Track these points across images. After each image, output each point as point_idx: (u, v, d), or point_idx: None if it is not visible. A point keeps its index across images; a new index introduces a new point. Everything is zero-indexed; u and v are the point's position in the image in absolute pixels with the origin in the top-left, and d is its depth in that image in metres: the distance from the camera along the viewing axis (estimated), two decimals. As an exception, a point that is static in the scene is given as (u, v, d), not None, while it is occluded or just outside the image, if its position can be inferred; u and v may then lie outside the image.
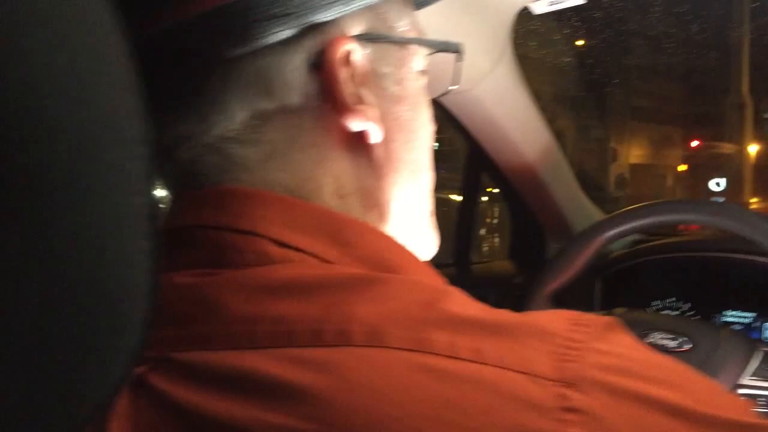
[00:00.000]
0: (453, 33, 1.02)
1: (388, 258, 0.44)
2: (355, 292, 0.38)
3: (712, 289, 1.30)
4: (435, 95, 0.54)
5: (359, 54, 0.45)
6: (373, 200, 0.47)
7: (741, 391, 0.91)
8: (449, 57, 0.53)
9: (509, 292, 1.45)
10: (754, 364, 0.93)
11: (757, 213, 1.01)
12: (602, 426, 0.34)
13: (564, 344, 0.36)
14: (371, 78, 0.46)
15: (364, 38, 0.45)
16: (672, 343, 0.96)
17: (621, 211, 1.13)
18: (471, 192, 1.50)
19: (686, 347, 0.95)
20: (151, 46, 0.42)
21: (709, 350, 0.94)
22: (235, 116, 0.43)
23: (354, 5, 0.44)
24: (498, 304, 1.13)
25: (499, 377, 0.34)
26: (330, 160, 0.45)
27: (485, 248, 1.76)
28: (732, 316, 1.28)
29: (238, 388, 0.35)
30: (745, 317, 1.27)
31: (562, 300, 1.18)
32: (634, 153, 10.08)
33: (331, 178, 0.45)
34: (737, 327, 1.26)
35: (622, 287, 1.37)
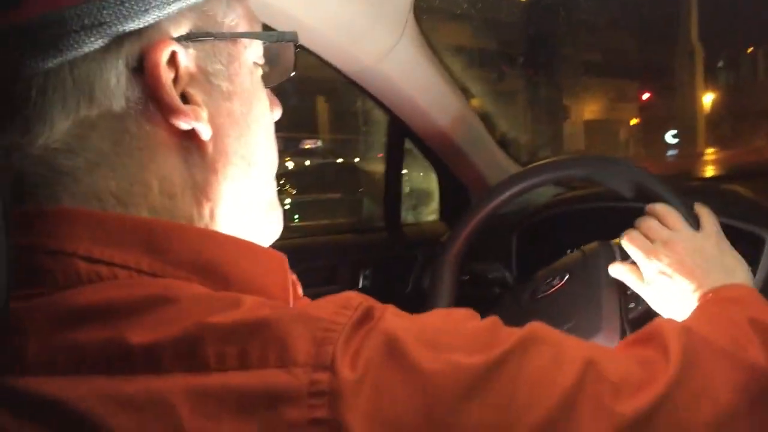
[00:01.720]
0: (353, 14, 1.16)
1: (207, 256, 0.47)
2: (135, 317, 0.41)
3: (614, 235, 1.46)
4: (271, 84, 0.57)
5: (183, 55, 0.47)
6: (206, 195, 0.50)
7: None
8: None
9: (437, 251, 1.60)
10: (618, 253, 1.08)
11: (599, 157, 1.10)
12: (346, 404, 0.38)
13: (326, 327, 0.40)
14: (200, 76, 0.49)
15: (187, 39, 0.48)
16: (556, 281, 1.13)
17: (502, 180, 1.21)
18: (395, 158, 1.65)
19: (566, 278, 1.12)
20: None
21: (583, 269, 1.11)
22: (58, 126, 0.45)
23: (169, 9, 0.46)
24: (426, 261, 1.29)
25: (258, 378, 0.38)
26: (158, 161, 0.47)
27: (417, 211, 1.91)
28: (633, 259, 1.45)
29: (42, 414, 0.39)
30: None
31: (479, 257, 1.32)
32: (588, 109, 10.27)
33: (158, 179, 0.47)
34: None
35: (536, 240, 1.52)
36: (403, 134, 1.60)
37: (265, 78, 0.57)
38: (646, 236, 0.90)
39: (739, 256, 0.88)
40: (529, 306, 1.15)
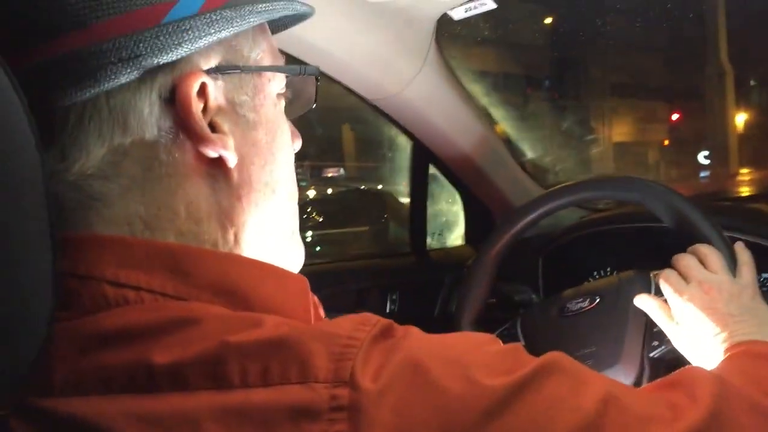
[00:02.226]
0: (376, 44, 1.21)
1: (230, 280, 0.49)
2: (160, 337, 0.43)
3: (641, 256, 1.47)
4: (294, 116, 0.61)
5: (213, 86, 0.50)
6: (231, 220, 0.52)
7: None
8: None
9: (463, 274, 1.62)
10: (653, 286, 1.07)
11: (644, 180, 1.12)
12: (366, 418, 0.39)
13: (345, 343, 0.42)
14: (227, 107, 0.52)
15: (216, 71, 0.51)
16: (585, 304, 1.15)
17: (501, 220, 1.26)
18: (419, 183, 1.69)
19: (596, 302, 1.14)
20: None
21: (616, 295, 1.12)
22: (93, 153, 0.47)
23: (200, 43, 0.48)
24: (453, 285, 1.32)
25: (281, 395, 0.40)
26: (185, 187, 0.50)
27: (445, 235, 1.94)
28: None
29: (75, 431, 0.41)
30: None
31: (507, 278, 1.34)
32: (617, 131, 10.22)
33: (185, 205, 0.50)
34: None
35: (563, 262, 1.54)
36: (427, 159, 1.64)
37: (288, 109, 0.60)
38: (683, 275, 0.90)
39: None
40: (556, 322, 1.16)
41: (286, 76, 0.58)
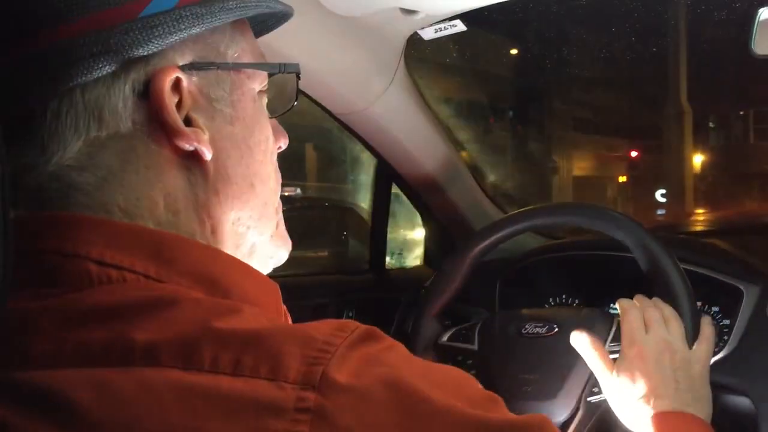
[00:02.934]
0: (346, 59, 1.23)
1: (212, 271, 0.51)
2: (141, 316, 0.44)
3: (598, 284, 1.49)
4: (278, 114, 0.63)
5: (187, 82, 0.52)
6: (207, 213, 0.54)
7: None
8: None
9: (420, 295, 1.65)
10: (612, 331, 1.11)
11: (602, 208, 1.18)
12: (327, 423, 0.40)
13: (319, 348, 0.42)
14: (203, 102, 0.53)
15: (191, 67, 0.53)
16: (542, 330, 1.17)
17: (482, 228, 1.29)
18: (381, 201, 1.71)
19: (554, 331, 1.17)
20: None
21: (569, 331, 1.14)
22: (71, 145, 0.49)
23: (170, 40, 0.50)
24: (408, 305, 1.34)
25: (249, 387, 0.40)
26: (162, 179, 0.52)
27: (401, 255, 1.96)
28: (615, 308, 1.48)
29: (39, 404, 0.41)
30: (626, 308, 1.49)
31: (463, 300, 1.36)
32: (577, 165, 10.45)
33: (162, 195, 0.52)
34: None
35: (520, 287, 1.57)
36: (390, 178, 1.66)
37: (271, 107, 0.62)
38: (645, 322, 0.93)
39: (710, 392, 0.91)
40: (511, 339, 1.19)
41: (268, 74, 0.59)
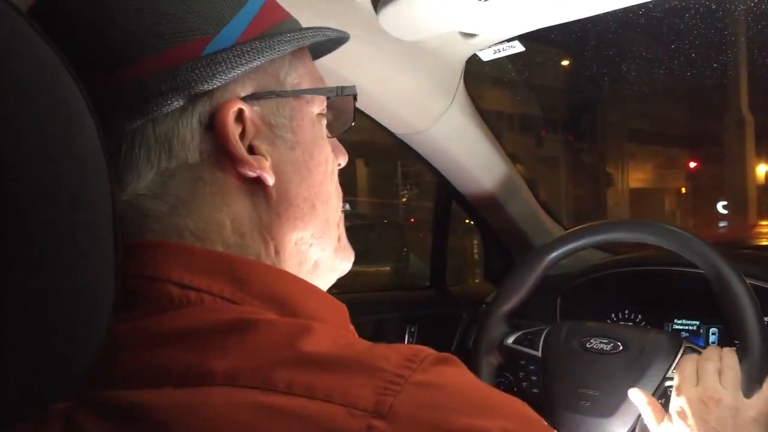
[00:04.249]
0: (408, 82, 1.28)
1: (280, 291, 0.53)
2: (221, 339, 0.46)
3: (662, 300, 1.52)
4: (337, 133, 0.65)
5: (249, 112, 0.55)
6: (271, 235, 0.57)
7: (668, 383, 1.11)
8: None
9: (480, 311, 1.68)
10: (678, 358, 1.13)
11: (679, 229, 1.20)
12: None
13: (389, 379, 0.43)
14: (265, 129, 0.57)
15: (253, 97, 0.56)
16: (607, 347, 1.19)
17: (561, 234, 1.33)
18: (442, 220, 1.75)
19: (619, 349, 1.18)
20: None
21: (639, 350, 1.16)
22: (144, 176, 0.52)
23: (232, 74, 0.53)
24: (470, 322, 1.38)
25: (321, 410, 0.42)
26: (228, 204, 0.55)
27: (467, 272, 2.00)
28: (680, 324, 1.50)
29: (130, 421, 0.44)
30: (691, 324, 1.49)
31: (525, 315, 1.40)
32: (633, 177, 10.27)
33: (229, 220, 0.55)
34: (684, 334, 1.49)
35: (581, 302, 1.58)
36: (450, 196, 1.70)
37: (330, 127, 0.64)
38: (698, 372, 0.96)
39: None
40: (575, 352, 1.22)
41: (327, 98, 0.63)
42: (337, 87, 0.63)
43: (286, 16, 0.61)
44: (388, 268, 1.85)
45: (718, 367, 0.96)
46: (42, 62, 0.39)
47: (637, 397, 1.03)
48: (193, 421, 0.42)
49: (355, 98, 0.66)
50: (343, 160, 0.68)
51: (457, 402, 0.44)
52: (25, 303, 0.37)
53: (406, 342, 1.60)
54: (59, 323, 0.39)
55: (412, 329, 1.60)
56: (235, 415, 0.42)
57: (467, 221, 1.93)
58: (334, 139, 0.66)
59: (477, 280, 2.01)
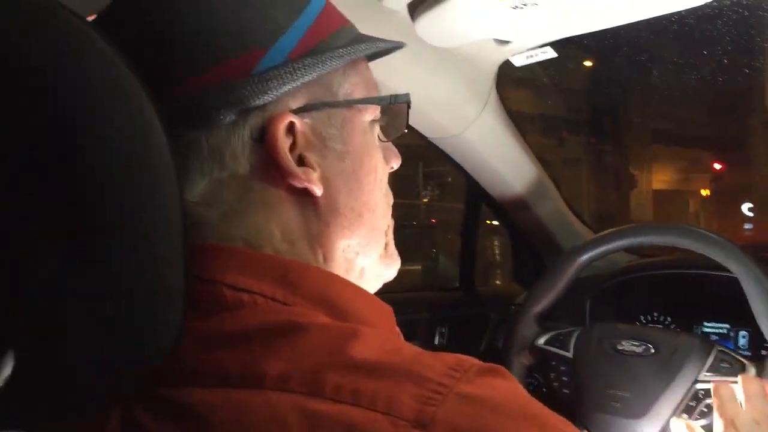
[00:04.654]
0: (441, 87, 1.31)
1: (330, 294, 0.55)
2: (273, 342, 0.48)
3: (691, 303, 1.53)
4: (391, 138, 0.66)
5: (300, 124, 0.56)
6: (319, 243, 0.58)
7: (699, 386, 1.13)
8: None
9: (510, 312, 1.70)
10: (710, 361, 1.15)
11: (710, 233, 1.22)
12: None
13: (433, 389, 0.44)
14: (315, 141, 0.57)
15: (304, 110, 0.56)
16: (638, 349, 1.21)
17: (594, 237, 1.36)
18: (471, 221, 1.78)
19: (650, 352, 1.20)
20: None
21: (670, 353, 1.18)
22: (197, 185, 0.54)
23: (283, 89, 0.54)
24: (498, 322, 1.41)
25: (365, 418, 0.43)
26: (278, 213, 0.56)
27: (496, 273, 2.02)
28: (709, 327, 1.51)
29: (186, 419, 0.46)
30: (721, 328, 1.50)
31: (554, 317, 1.42)
32: (657, 178, 10.20)
33: (279, 228, 0.56)
34: (714, 337, 1.50)
35: (610, 304, 1.60)
36: (479, 198, 1.72)
37: (384, 132, 0.64)
38: (747, 398, 0.95)
39: None
40: (606, 354, 1.24)
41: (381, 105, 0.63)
42: (391, 95, 0.63)
43: (344, 22, 0.62)
44: (419, 268, 1.87)
45: (764, 391, 0.96)
46: (122, 83, 0.41)
47: (680, 428, 1.02)
48: (245, 423, 0.44)
49: (408, 105, 0.66)
50: (396, 163, 0.68)
51: (500, 417, 0.44)
52: (102, 301, 0.39)
53: (436, 342, 1.63)
54: (136, 321, 0.41)
55: (443, 330, 1.63)
56: (283, 420, 0.43)
57: (489, 222, 1.95)
58: (388, 143, 0.66)
59: (498, 281, 2.03)
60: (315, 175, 0.57)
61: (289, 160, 0.55)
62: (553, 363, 1.31)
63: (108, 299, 0.40)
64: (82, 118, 0.38)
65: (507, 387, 0.47)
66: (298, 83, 0.55)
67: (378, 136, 0.64)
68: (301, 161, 0.57)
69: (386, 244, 0.66)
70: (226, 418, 0.44)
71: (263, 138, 0.55)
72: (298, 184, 0.56)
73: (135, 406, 0.48)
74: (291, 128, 0.55)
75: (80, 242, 0.38)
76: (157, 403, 0.47)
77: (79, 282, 0.38)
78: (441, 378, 0.45)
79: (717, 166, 10.05)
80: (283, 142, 0.55)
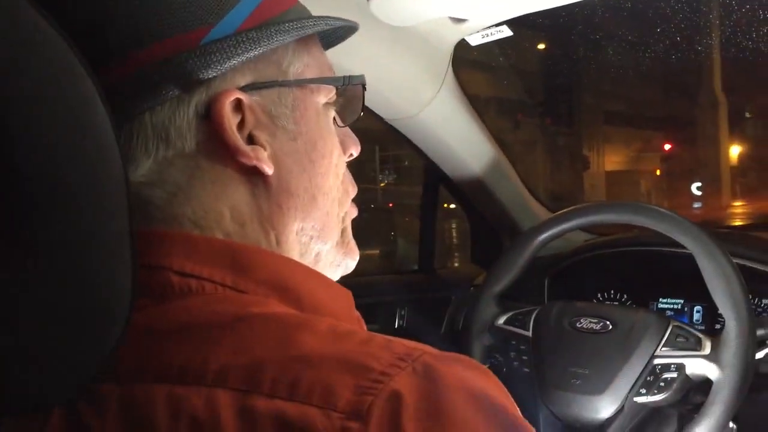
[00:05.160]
0: (396, 66, 1.30)
1: (282, 278, 0.54)
2: (220, 332, 0.47)
3: (646, 279, 1.57)
4: (347, 123, 0.64)
5: (248, 101, 0.54)
6: (271, 225, 0.57)
7: (656, 360, 1.16)
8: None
9: (469, 293, 1.71)
10: (666, 336, 1.17)
11: (665, 209, 1.25)
12: None
13: (374, 378, 0.42)
14: (265, 119, 0.56)
15: (252, 87, 0.55)
16: (596, 326, 1.23)
17: (551, 216, 1.38)
18: (430, 203, 1.77)
19: (608, 328, 1.22)
20: None
21: (628, 329, 1.20)
22: (142, 164, 0.53)
23: (227, 64, 0.52)
24: (459, 303, 1.41)
25: (299, 412, 0.41)
26: (227, 192, 0.55)
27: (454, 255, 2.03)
28: (664, 303, 1.55)
29: (125, 415, 0.45)
30: (676, 303, 1.54)
31: (513, 297, 1.43)
32: (609, 159, 10.39)
33: (229, 208, 0.55)
34: (669, 312, 1.54)
35: (568, 282, 1.63)
36: (438, 180, 1.72)
37: (340, 117, 0.63)
38: None
39: None
40: (565, 332, 1.25)
41: (336, 87, 0.61)
42: (344, 76, 0.62)
43: (293, 3, 0.60)
44: (377, 252, 1.87)
45: None
46: (58, 56, 0.39)
47: None
48: (185, 422, 0.43)
49: (363, 87, 0.64)
50: (356, 151, 0.66)
51: (444, 407, 0.42)
52: (42, 292, 0.37)
53: (396, 325, 1.63)
54: (80, 313, 0.40)
55: (403, 312, 1.62)
56: (218, 419, 0.42)
57: (446, 205, 1.95)
58: (347, 129, 0.65)
59: (456, 264, 2.03)
60: (265, 154, 0.55)
61: (236, 136, 0.53)
62: (513, 342, 1.32)
63: (48, 293, 0.38)
64: (13, 98, 0.36)
65: (461, 375, 0.45)
66: (243, 58, 0.53)
67: (335, 121, 0.62)
68: (251, 140, 0.55)
69: (343, 231, 0.64)
70: (166, 416, 0.43)
71: (209, 114, 0.53)
72: (247, 162, 0.54)
73: (78, 402, 0.46)
74: (239, 106, 0.54)
75: (14, 232, 0.36)
76: (100, 398, 0.46)
77: (16, 274, 0.36)
78: (385, 368, 0.43)
79: (667, 146, 10.27)
80: (230, 119, 0.53)
